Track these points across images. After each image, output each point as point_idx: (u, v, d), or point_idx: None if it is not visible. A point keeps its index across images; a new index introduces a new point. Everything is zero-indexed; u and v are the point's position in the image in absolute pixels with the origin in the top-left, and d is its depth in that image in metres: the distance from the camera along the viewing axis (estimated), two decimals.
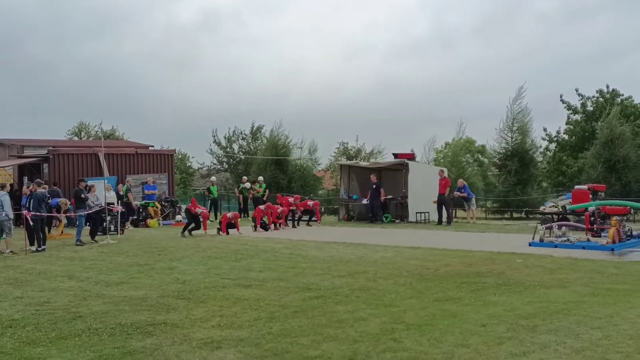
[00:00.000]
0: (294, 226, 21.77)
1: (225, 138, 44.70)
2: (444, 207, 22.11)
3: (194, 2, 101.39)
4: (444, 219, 21.99)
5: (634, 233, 14.93)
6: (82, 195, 17.36)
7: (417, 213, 23.00)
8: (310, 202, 23.33)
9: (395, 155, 25.25)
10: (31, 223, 15.26)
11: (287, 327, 7.02)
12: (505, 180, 27.98)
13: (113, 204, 18.85)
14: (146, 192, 24.94)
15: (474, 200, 24.01)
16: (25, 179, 24.82)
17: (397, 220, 23.66)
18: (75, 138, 50.40)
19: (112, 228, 18.59)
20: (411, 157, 25.55)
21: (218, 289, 9.51)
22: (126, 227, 20.72)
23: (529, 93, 66.13)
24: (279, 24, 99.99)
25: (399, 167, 24.03)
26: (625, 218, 16.20)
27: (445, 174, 22.95)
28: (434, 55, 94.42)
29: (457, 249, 14.07)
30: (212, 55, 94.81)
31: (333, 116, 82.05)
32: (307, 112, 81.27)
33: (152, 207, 23.64)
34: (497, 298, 8.41)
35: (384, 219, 23.42)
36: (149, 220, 22.93)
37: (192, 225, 18.68)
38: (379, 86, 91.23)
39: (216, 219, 23.58)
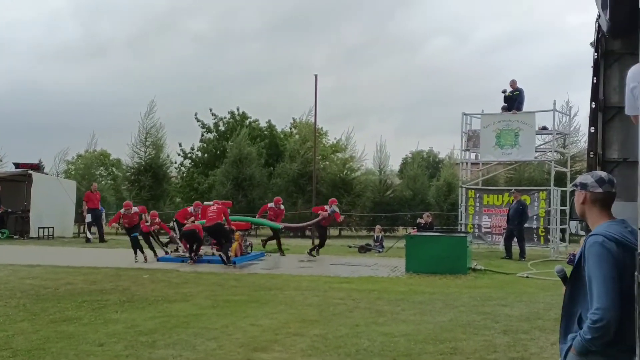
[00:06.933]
0: None
1: None
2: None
3: None
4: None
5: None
6: None
7: (39, 228, 21.23)
8: None
9: (17, 165, 23.03)
10: None
11: None
12: (138, 195, 27.77)
13: None
14: None
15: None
16: None
17: (16, 237, 21.49)
18: None
19: None
20: (36, 167, 23.60)
21: None
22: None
23: (171, 110, 67.47)
24: None
25: (21, 179, 21.96)
26: (247, 233, 17.47)
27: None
28: (82, 62, 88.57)
29: (82, 266, 13.30)
30: None
31: None
32: None
33: None
34: (119, 315, 8.09)
35: (0, 235, 21.05)
36: None
37: None
38: (13, 89, 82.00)
39: None
